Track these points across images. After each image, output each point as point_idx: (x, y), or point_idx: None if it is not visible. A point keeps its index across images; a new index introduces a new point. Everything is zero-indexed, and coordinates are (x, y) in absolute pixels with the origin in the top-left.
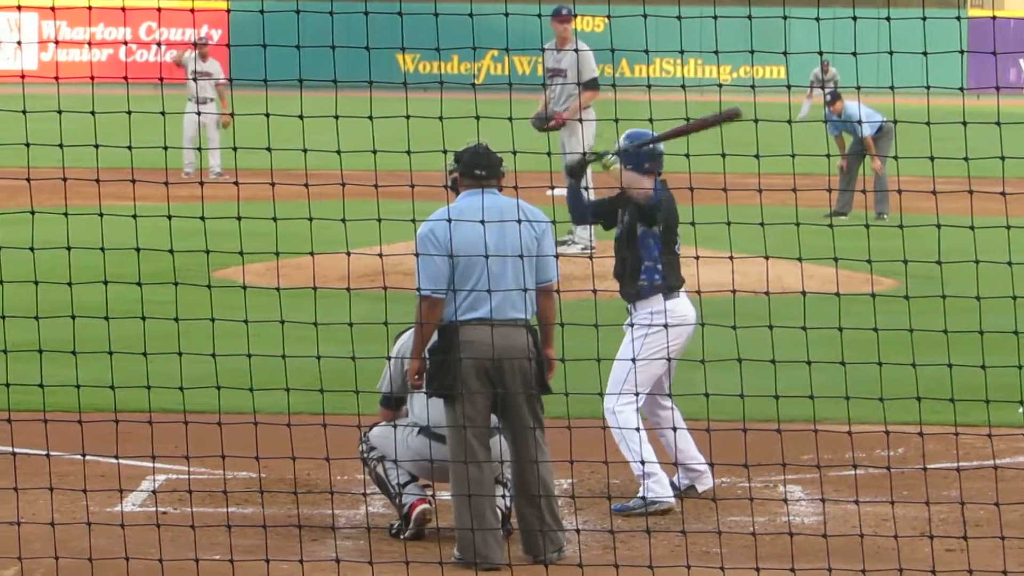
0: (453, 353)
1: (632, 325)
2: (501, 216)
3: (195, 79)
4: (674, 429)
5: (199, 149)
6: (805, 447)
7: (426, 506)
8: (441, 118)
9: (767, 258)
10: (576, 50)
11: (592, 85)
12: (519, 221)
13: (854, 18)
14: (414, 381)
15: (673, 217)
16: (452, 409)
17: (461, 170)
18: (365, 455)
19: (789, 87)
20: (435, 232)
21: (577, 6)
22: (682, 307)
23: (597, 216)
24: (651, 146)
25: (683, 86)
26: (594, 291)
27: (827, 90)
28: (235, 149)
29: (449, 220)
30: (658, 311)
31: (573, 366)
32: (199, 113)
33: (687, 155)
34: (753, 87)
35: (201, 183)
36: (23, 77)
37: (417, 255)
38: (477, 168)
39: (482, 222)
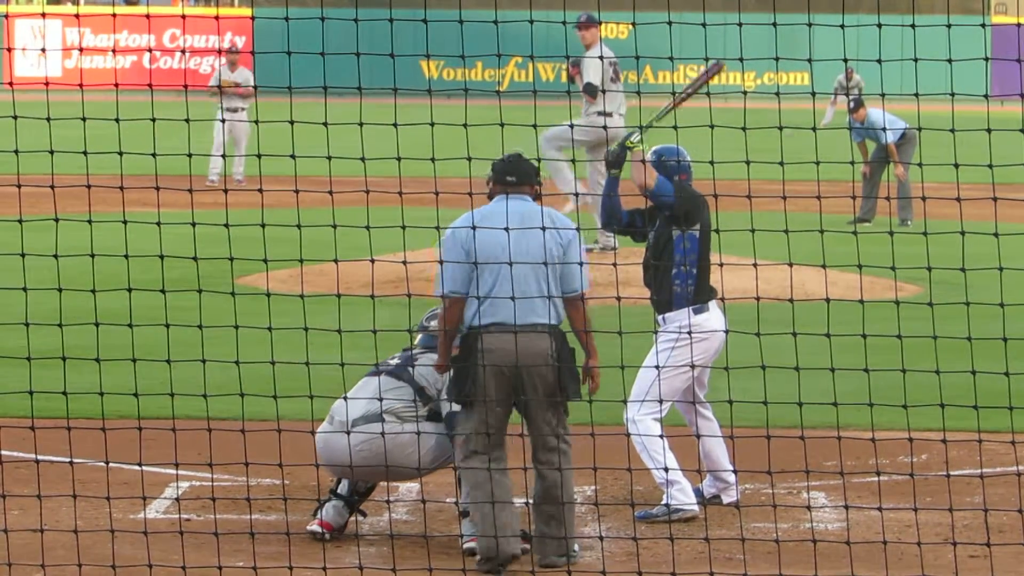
0: (473, 360)
1: (658, 334)
2: (524, 222)
3: (220, 88)
4: (697, 436)
5: (224, 156)
6: (829, 453)
7: (320, 531)
8: (465, 125)
9: (791, 265)
10: (584, 57)
11: (586, 90)
12: (543, 228)
13: (879, 25)
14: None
15: (706, 217)
16: (471, 416)
17: (494, 177)
18: None
19: (814, 94)
20: (456, 235)
21: (602, 13)
22: (712, 321)
23: (631, 219)
24: (680, 158)
25: (707, 92)
26: (618, 298)
27: (850, 97)
28: (259, 156)
29: (473, 228)
30: (686, 325)
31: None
32: (223, 120)
33: (711, 162)
34: (777, 94)
35: (225, 190)
36: (47, 84)
37: (441, 260)
38: (508, 175)
39: (505, 229)
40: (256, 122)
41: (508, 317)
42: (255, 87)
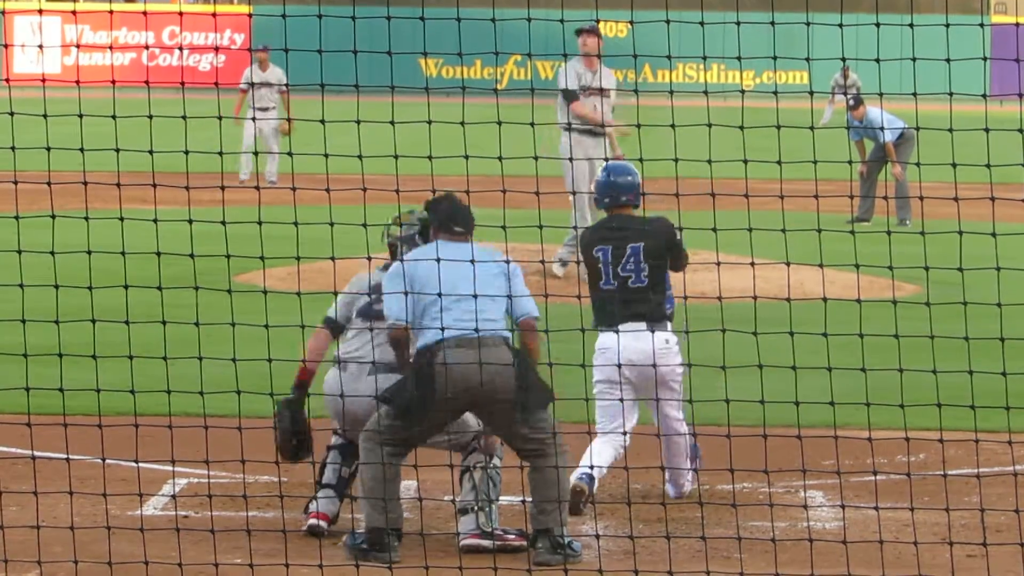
0: (426, 384)
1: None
2: (460, 254)
3: (251, 87)
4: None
5: (256, 153)
6: (825, 453)
7: (320, 523)
8: (463, 123)
9: (789, 264)
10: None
11: (565, 96)
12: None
13: (877, 24)
14: None
15: (588, 253)
16: (403, 416)
17: (438, 223)
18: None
19: (812, 93)
20: (398, 269)
21: (600, 12)
22: (605, 342)
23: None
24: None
25: (705, 92)
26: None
27: (849, 96)
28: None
29: (438, 260)
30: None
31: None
32: (254, 119)
33: (709, 161)
34: (776, 93)
35: (257, 187)
36: (44, 81)
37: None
38: (456, 224)
39: (477, 260)
40: (290, 119)
41: (459, 333)
42: (287, 85)
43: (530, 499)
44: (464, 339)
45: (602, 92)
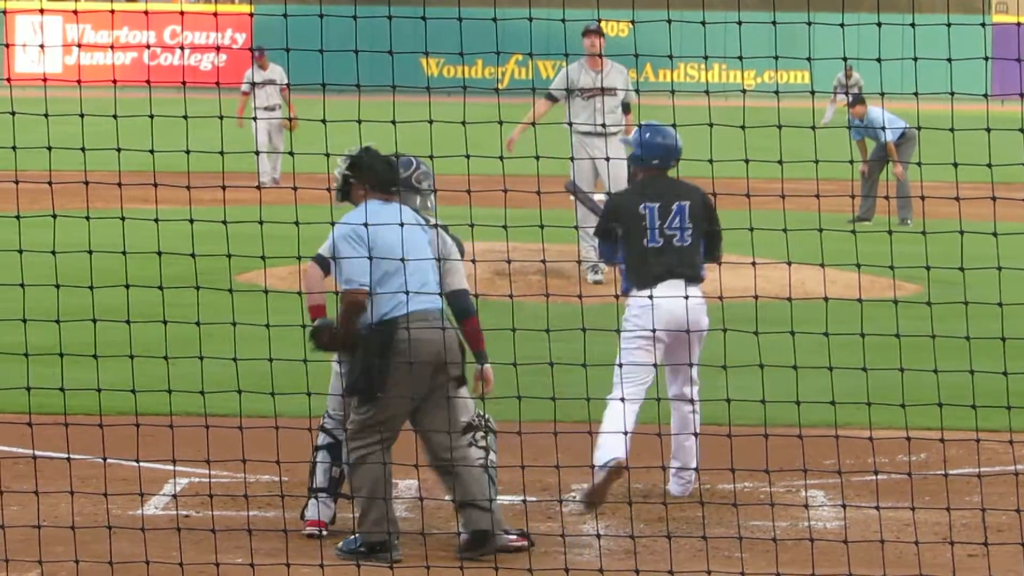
0: (387, 356)
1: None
2: (413, 231)
3: (253, 87)
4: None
5: (270, 154)
6: (827, 452)
7: (314, 530)
8: (464, 123)
9: (790, 263)
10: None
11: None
12: (437, 225)
13: (878, 24)
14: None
15: (632, 210)
16: (379, 407)
17: (375, 182)
18: (322, 429)
19: (813, 92)
20: (357, 232)
21: (602, 11)
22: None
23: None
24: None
25: (707, 91)
26: (617, 296)
27: (850, 95)
28: (256, 153)
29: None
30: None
31: (594, 371)
32: (255, 118)
33: (711, 160)
34: (777, 92)
35: (259, 187)
36: (45, 80)
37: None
38: (393, 185)
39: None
40: (295, 119)
41: (423, 307)
42: (288, 84)
43: (494, 499)
44: (423, 312)
45: (603, 91)
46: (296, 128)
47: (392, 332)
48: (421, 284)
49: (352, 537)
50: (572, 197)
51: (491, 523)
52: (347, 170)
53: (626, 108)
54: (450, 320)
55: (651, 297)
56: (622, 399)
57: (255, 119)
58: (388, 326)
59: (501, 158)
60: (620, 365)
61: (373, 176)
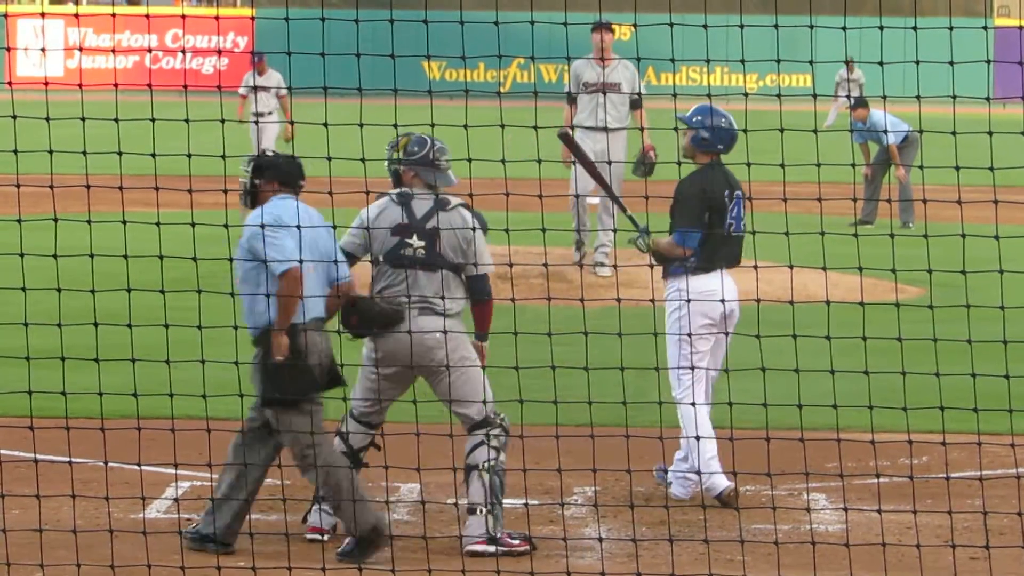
0: (303, 358)
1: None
2: (311, 220)
3: (254, 91)
4: (698, 437)
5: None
6: (828, 455)
7: (316, 537)
8: (466, 126)
9: (792, 267)
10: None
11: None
12: (334, 226)
13: (880, 27)
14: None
15: (720, 195)
16: (302, 415)
17: (279, 179)
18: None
19: (815, 96)
20: (277, 220)
21: (604, 15)
22: (710, 284)
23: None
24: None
25: (709, 95)
26: (618, 300)
27: (851, 95)
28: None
29: (459, 205)
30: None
31: (596, 375)
32: (256, 122)
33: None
34: (779, 96)
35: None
36: (46, 84)
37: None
38: (301, 179)
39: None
40: (292, 122)
41: (321, 313)
42: (288, 88)
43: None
44: (322, 319)
45: (605, 88)
46: (293, 136)
47: (298, 336)
48: (327, 286)
49: (345, 544)
50: (572, 200)
51: (373, 522)
52: (252, 173)
53: (635, 104)
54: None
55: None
56: (692, 403)
57: (256, 122)
58: (295, 330)
59: (503, 161)
60: (693, 368)
61: (280, 172)
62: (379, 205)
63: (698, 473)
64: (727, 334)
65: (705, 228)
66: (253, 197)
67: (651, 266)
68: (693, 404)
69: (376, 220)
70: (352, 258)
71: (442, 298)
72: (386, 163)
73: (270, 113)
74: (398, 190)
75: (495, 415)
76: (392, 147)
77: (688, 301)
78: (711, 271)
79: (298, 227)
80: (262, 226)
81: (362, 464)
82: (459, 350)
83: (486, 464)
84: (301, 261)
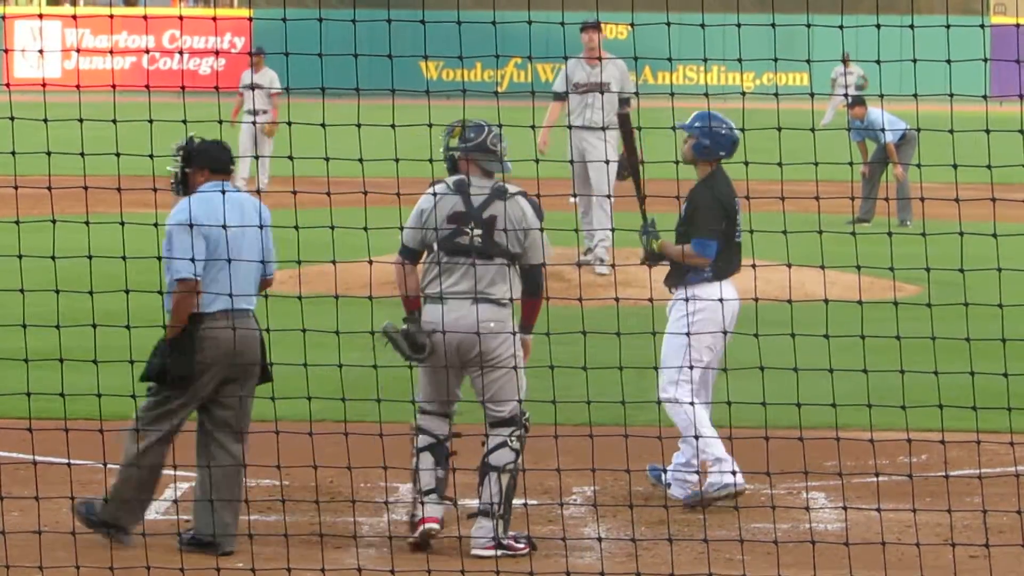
0: (194, 345)
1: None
2: (244, 209)
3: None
4: (698, 437)
5: (256, 158)
6: (827, 454)
7: (434, 526)
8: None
9: (790, 265)
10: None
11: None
12: (261, 226)
13: (877, 26)
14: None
15: (732, 204)
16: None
17: (210, 165)
18: (414, 433)
19: (812, 95)
20: (192, 221)
21: (601, 14)
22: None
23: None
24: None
25: (706, 94)
26: (616, 299)
27: (850, 92)
28: (257, 157)
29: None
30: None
31: (595, 374)
32: (254, 122)
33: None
34: (776, 94)
35: (259, 191)
36: (44, 85)
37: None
38: (231, 163)
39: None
40: (276, 123)
41: (236, 304)
42: (285, 88)
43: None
44: (240, 311)
45: (593, 89)
46: (272, 133)
47: (199, 326)
48: (243, 281)
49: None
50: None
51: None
52: (182, 161)
53: (624, 102)
54: (258, 320)
55: (721, 301)
56: (692, 403)
57: (253, 122)
58: (200, 320)
59: (501, 161)
60: (692, 367)
61: (208, 158)
62: (435, 192)
63: (698, 473)
64: (725, 333)
65: (722, 238)
66: (184, 185)
67: (648, 266)
68: (692, 404)
69: (433, 209)
70: (417, 254)
71: (499, 288)
72: (442, 150)
73: (265, 112)
74: (455, 177)
75: (522, 414)
76: (448, 133)
77: (683, 305)
78: (722, 279)
79: (224, 226)
80: (190, 225)
81: (449, 455)
82: (510, 344)
83: (507, 466)
84: (195, 259)
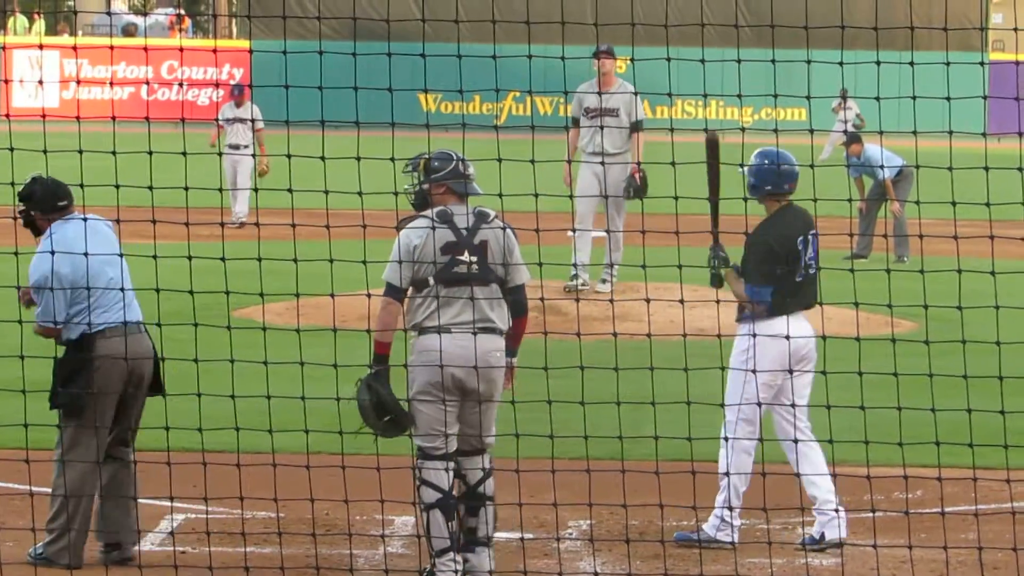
0: (89, 364)
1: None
2: (101, 236)
3: (223, 124)
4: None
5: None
6: None
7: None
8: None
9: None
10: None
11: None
12: (119, 254)
13: (877, 63)
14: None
15: (791, 243)
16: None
17: (43, 209)
18: (417, 485)
19: (812, 130)
20: (56, 269)
21: (601, 48)
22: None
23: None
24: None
25: (705, 128)
26: (615, 334)
27: (847, 130)
28: (256, 190)
29: (498, 217)
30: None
31: (592, 408)
32: (231, 154)
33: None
34: (775, 130)
35: (257, 224)
36: (44, 116)
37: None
38: (70, 198)
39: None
40: (254, 155)
41: (120, 318)
42: (263, 122)
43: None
44: (119, 325)
45: (603, 114)
46: (266, 172)
47: (91, 347)
48: (116, 298)
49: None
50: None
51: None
52: (24, 206)
53: (635, 127)
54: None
55: (787, 337)
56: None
57: (231, 153)
58: (87, 341)
59: (500, 195)
60: (758, 403)
61: (40, 205)
62: (419, 229)
63: (730, 509)
64: (791, 372)
65: (776, 282)
66: (34, 227)
67: (715, 287)
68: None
69: (424, 244)
70: (404, 293)
71: (498, 315)
72: (408, 187)
73: (246, 146)
74: (437, 208)
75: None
76: (412, 170)
77: (742, 340)
78: (785, 314)
79: (85, 253)
80: (59, 253)
81: (456, 501)
82: (503, 373)
83: (492, 494)
84: (51, 289)
